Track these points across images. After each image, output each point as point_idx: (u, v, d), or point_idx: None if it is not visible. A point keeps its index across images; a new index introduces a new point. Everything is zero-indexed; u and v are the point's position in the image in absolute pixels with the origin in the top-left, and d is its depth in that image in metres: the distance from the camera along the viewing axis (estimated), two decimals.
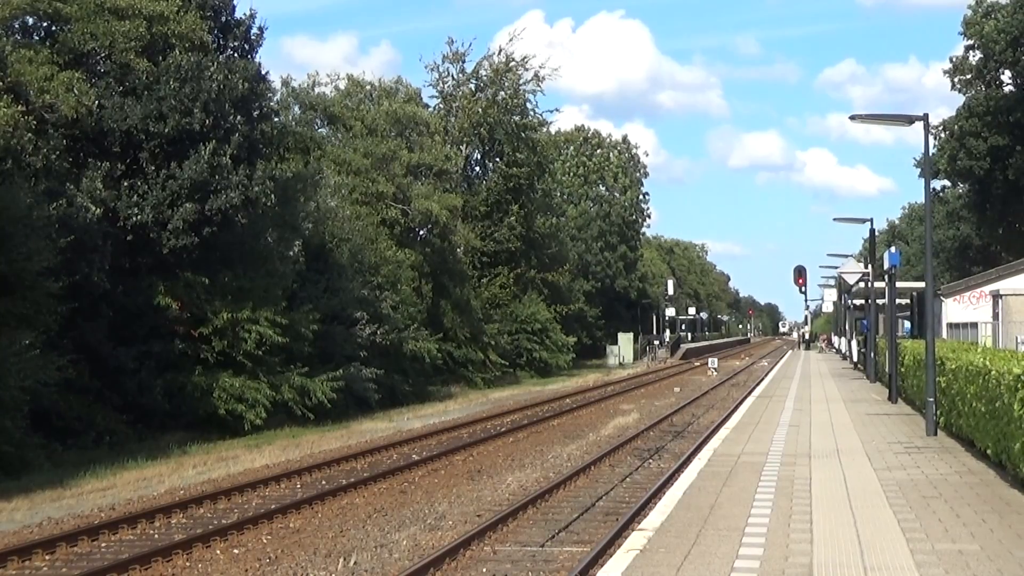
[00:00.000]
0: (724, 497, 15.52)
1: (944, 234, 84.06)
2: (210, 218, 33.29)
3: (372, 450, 29.63)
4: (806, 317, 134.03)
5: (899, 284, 40.03)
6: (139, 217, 32.50)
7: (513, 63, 71.16)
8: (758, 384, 48.82)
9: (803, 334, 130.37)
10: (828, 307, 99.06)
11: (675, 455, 27.62)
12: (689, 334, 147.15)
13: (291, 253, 39.56)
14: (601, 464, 26.26)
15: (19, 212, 26.79)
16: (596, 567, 13.98)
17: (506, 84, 70.89)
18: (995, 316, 38.06)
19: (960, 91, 69.41)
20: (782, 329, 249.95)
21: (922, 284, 39.21)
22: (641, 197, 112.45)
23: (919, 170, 72.93)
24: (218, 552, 17.32)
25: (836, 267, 60.69)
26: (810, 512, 14.20)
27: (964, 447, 20.61)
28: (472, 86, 70.99)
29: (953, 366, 21.47)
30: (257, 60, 38.24)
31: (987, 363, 17.69)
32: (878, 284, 43.66)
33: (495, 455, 29.19)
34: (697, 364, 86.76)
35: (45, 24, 34.23)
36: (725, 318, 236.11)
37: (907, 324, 53.33)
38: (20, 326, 26.49)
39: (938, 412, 23.15)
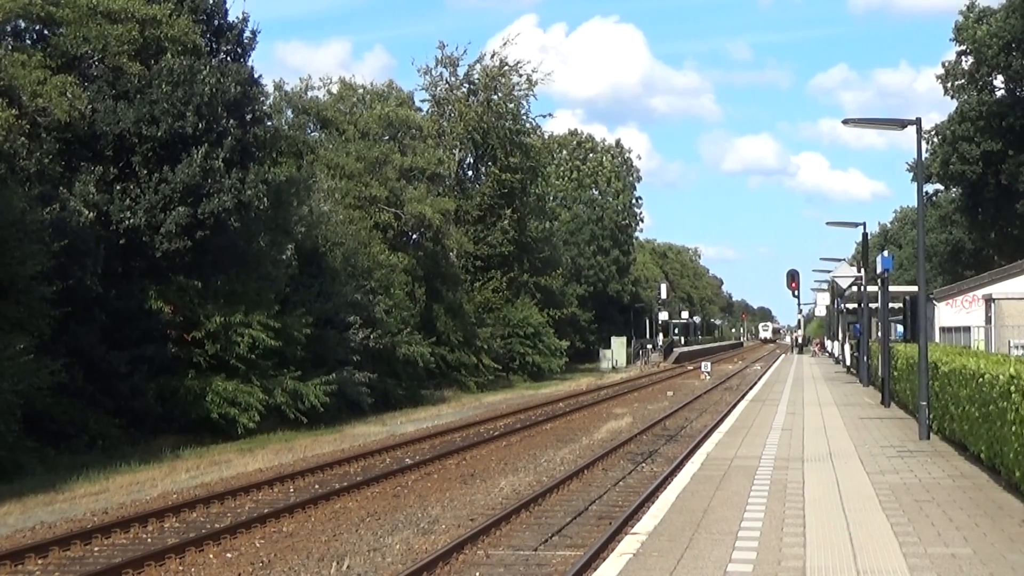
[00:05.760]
0: (717, 501, 15.53)
1: (937, 238, 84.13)
2: (203, 222, 33.27)
3: (365, 454, 29.63)
4: (799, 321, 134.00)
5: (892, 288, 40.09)
6: (132, 221, 32.47)
7: (507, 67, 71.26)
8: (751, 388, 48.84)
9: (796, 338, 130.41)
10: (821, 311, 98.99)
11: (668, 459, 27.63)
12: (682, 338, 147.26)
13: (284, 257, 39.56)
14: (594, 468, 26.26)
15: (12, 216, 26.77)
16: (589, 571, 13.98)
17: (499, 89, 70.93)
18: (988, 320, 38.07)
19: (952, 96, 69.50)
20: (763, 333, 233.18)
21: (915, 288, 39.36)
22: (634, 201, 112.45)
23: (912, 174, 72.99)
24: (211, 556, 17.30)
25: (829, 271, 60.72)
26: (803, 516, 14.21)
27: (957, 451, 20.64)
28: (465, 90, 71.07)
29: (946, 370, 21.49)
30: (250, 64, 38.26)
31: (980, 367, 17.71)
32: (871, 288, 43.70)
33: (488, 459, 29.19)
34: (690, 368, 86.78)
35: (38, 28, 34.20)
36: (718, 322, 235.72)
37: (900, 328, 53.49)
38: (13, 330, 26.47)
39: (931, 416, 23.18)
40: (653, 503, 16.84)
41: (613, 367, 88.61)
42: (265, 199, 35.47)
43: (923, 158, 27.21)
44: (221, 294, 34.69)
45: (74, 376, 29.87)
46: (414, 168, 59.45)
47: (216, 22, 37.72)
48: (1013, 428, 14.81)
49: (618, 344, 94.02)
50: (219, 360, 34.36)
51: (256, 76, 38.03)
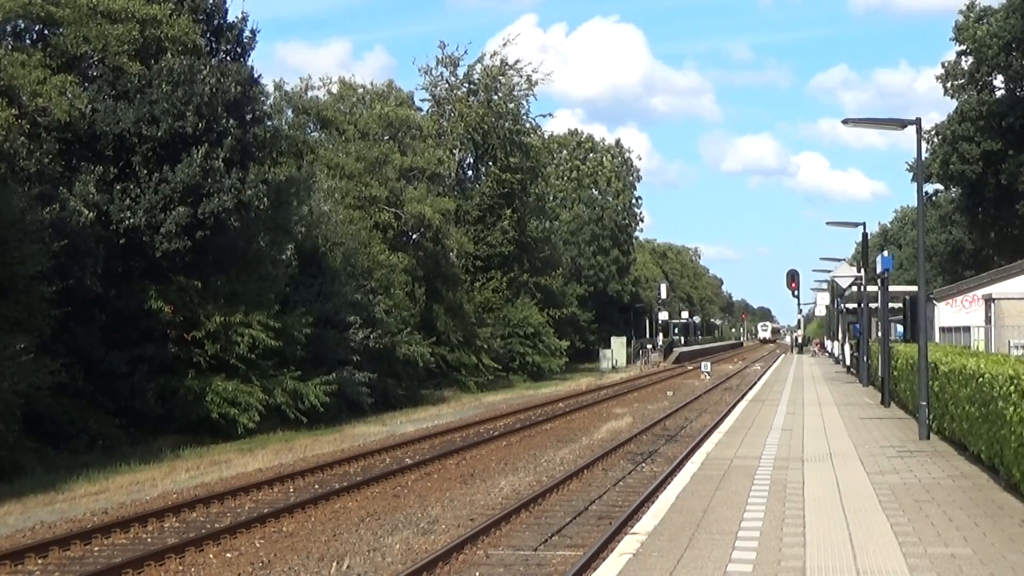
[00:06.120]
0: (717, 501, 15.53)
1: (936, 238, 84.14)
2: (203, 222, 33.27)
3: (365, 454, 29.63)
4: (799, 321, 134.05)
5: (892, 288, 40.09)
6: (132, 221, 32.47)
7: (507, 67, 71.32)
8: (751, 388, 48.83)
9: (796, 338, 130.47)
10: (821, 311, 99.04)
11: (668, 459, 27.62)
12: (682, 338, 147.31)
13: (284, 257, 39.58)
14: (594, 468, 26.26)
15: (12, 216, 26.77)
16: (589, 571, 13.97)
17: (499, 89, 70.97)
18: (987, 320, 38.02)
19: (952, 96, 69.48)
20: (762, 333, 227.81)
21: (915, 288, 39.35)
22: (634, 201, 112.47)
23: (912, 174, 73.02)
24: (211, 556, 17.31)
25: (829, 271, 60.73)
26: (803, 516, 14.21)
27: (957, 451, 20.64)
28: (465, 90, 71.09)
29: (946, 370, 21.49)
30: (249, 63, 38.27)
31: (980, 367, 17.71)
32: (871, 288, 43.69)
33: (488, 459, 29.19)
34: (690, 368, 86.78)
35: (38, 28, 34.19)
36: (718, 322, 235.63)
37: (899, 328, 53.48)
38: (13, 330, 26.45)
39: (931, 416, 23.18)
40: (653, 503, 16.84)
41: (613, 367, 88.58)
42: (265, 199, 35.47)
43: (923, 158, 27.21)
44: (221, 294, 34.69)
45: (74, 376, 29.88)
46: (414, 168, 59.46)
47: (216, 22, 37.72)
48: (1013, 428, 14.81)
49: (618, 344, 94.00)
50: (219, 360, 34.35)
51: (256, 76, 38.06)
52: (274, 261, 38.45)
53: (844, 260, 59.51)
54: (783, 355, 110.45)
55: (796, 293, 73.37)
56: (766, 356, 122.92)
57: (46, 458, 27.27)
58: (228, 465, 27.74)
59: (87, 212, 31.07)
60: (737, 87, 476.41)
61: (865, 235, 44.18)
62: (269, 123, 44.16)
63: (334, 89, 62.67)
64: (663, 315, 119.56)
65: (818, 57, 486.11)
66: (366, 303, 44.80)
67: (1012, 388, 14.88)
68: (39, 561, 16.96)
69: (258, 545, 18.10)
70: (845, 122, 25.17)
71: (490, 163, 71.07)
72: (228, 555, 17.40)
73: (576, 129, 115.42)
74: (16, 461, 25.89)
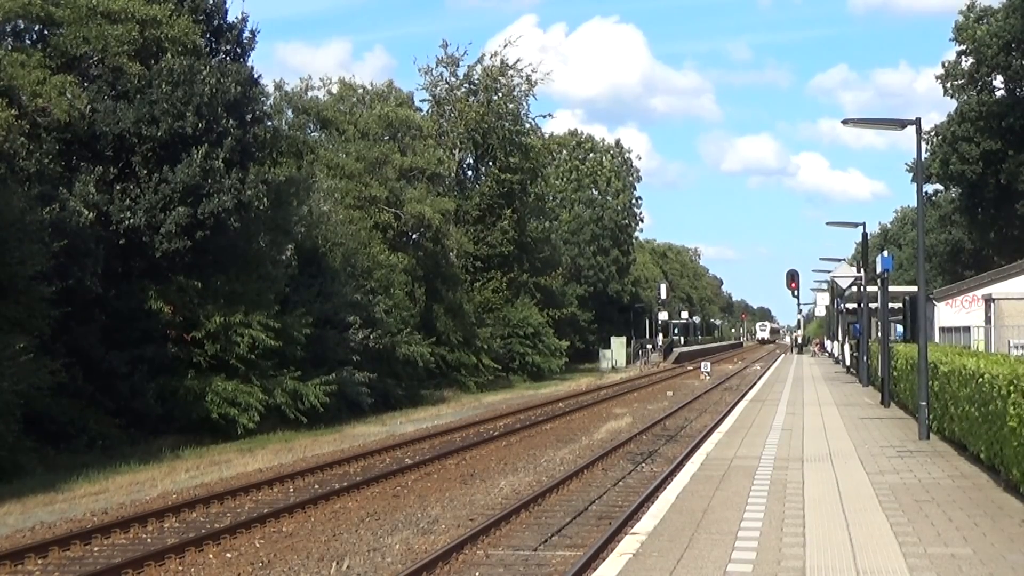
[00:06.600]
0: (717, 501, 15.53)
1: (936, 238, 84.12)
2: (203, 222, 33.27)
3: (365, 454, 29.63)
4: (799, 321, 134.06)
5: (891, 288, 40.10)
6: (131, 221, 32.47)
7: (508, 68, 71.34)
8: (751, 388, 48.83)
9: (796, 338, 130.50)
10: (821, 311, 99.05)
11: (668, 459, 27.63)
12: (682, 338, 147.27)
13: (284, 257, 39.59)
14: (594, 468, 26.26)
15: (12, 216, 26.77)
16: (589, 571, 13.98)
17: (500, 89, 70.99)
18: (987, 320, 38.01)
19: (952, 96, 69.52)
20: (760, 334, 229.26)
21: (914, 288, 39.36)
22: (634, 201, 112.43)
23: (911, 174, 72.99)
24: (211, 556, 17.31)
25: (829, 271, 60.70)
26: (803, 516, 14.21)
27: (957, 451, 20.64)
28: (465, 90, 71.11)
29: (946, 370, 21.49)
30: (249, 64, 38.28)
31: (980, 367, 17.71)
32: (871, 288, 43.70)
33: (488, 459, 29.19)
34: (690, 368, 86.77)
35: (37, 28, 34.20)
36: (718, 322, 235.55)
37: (899, 328, 53.47)
38: (13, 330, 26.46)
39: (931, 416, 23.18)
40: (653, 503, 16.84)
41: (613, 367, 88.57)
42: (265, 199, 35.44)
43: (923, 158, 27.21)
44: (221, 294, 34.69)
45: (74, 376, 29.89)
46: (414, 168, 59.46)
47: (216, 22, 37.72)
48: (1013, 428, 14.80)
49: (618, 344, 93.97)
50: (219, 360, 34.35)
51: (256, 76, 38.03)
52: (274, 261, 38.46)
53: (844, 260, 59.50)
54: (783, 355, 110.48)
55: (796, 293, 73.40)
56: (765, 356, 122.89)
57: (46, 458, 27.28)
58: (228, 465, 27.75)
59: (87, 212, 31.08)
60: (737, 87, 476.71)
61: (865, 235, 44.22)
62: (269, 123, 44.13)
63: (334, 89, 62.65)
64: (663, 315, 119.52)
65: (818, 57, 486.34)
66: (366, 303, 44.80)
67: (1012, 388, 14.88)
68: (39, 561, 16.97)
69: (258, 545, 18.10)
70: (845, 122, 25.18)
71: (490, 163, 71.09)
72: (228, 555, 17.41)
73: (576, 129, 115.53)
74: (16, 461, 25.89)
